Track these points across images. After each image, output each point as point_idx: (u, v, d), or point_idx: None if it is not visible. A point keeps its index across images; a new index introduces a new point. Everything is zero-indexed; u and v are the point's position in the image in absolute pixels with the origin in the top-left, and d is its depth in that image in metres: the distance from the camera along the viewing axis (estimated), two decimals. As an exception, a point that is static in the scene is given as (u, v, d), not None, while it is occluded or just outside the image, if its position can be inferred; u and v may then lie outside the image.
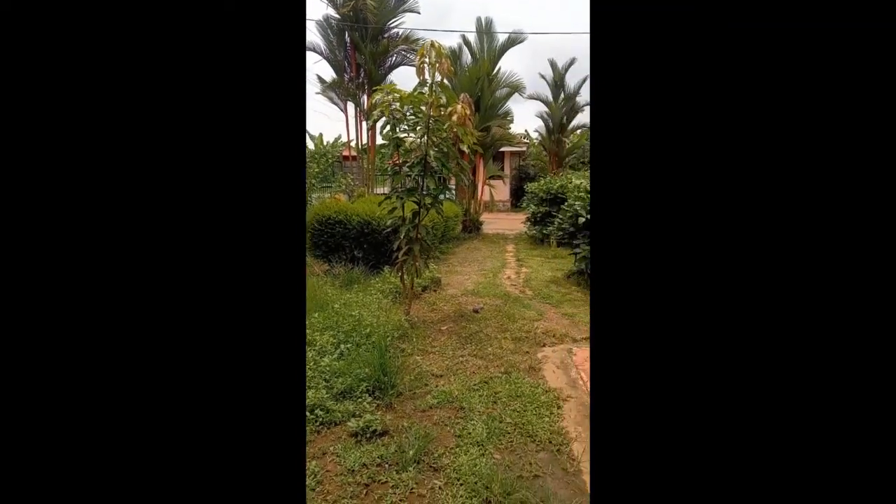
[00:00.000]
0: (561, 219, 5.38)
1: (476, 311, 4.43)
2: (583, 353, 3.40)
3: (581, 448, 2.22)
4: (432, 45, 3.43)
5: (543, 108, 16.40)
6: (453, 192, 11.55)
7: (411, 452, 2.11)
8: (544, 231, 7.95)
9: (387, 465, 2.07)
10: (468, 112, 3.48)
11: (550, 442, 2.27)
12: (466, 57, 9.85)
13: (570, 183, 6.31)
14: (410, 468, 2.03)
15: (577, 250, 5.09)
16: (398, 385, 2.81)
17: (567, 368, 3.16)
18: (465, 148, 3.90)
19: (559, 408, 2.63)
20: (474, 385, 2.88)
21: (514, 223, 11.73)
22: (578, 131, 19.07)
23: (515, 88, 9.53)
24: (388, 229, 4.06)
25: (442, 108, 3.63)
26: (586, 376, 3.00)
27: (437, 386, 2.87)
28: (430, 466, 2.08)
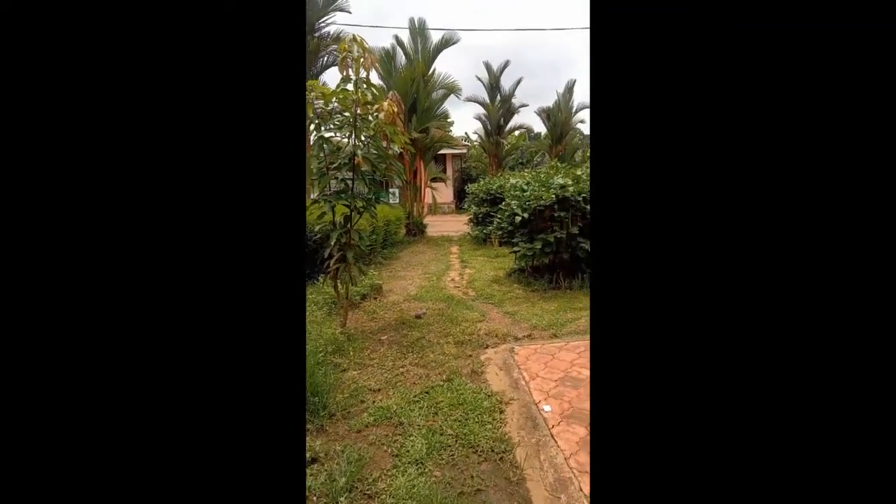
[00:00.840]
0: (500, 218, 5.39)
1: (418, 317, 4.27)
2: (524, 352, 3.36)
3: (524, 454, 2.14)
4: (354, 38, 3.24)
5: (481, 111, 16.67)
6: (397, 195, 11.33)
7: (342, 481, 1.91)
8: (485, 231, 7.99)
9: (315, 498, 1.85)
10: (396, 110, 3.32)
11: (493, 451, 2.17)
12: (401, 58, 9.71)
13: (507, 183, 6.35)
14: (342, 499, 1.83)
15: (516, 249, 5.11)
16: (330, 405, 2.59)
17: (509, 369, 3.10)
18: (396, 148, 3.74)
19: (501, 412, 2.54)
20: (414, 397, 2.72)
21: (459, 225, 11.75)
22: (516, 133, 19.63)
23: (451, 90, 9.53)
24: (318, 236, 3.79)
25: (369, 106, 3.44)
26: (528, 375, 2.95)
27: (374, 402, 2.68)
28: (364, 494, 1.89)
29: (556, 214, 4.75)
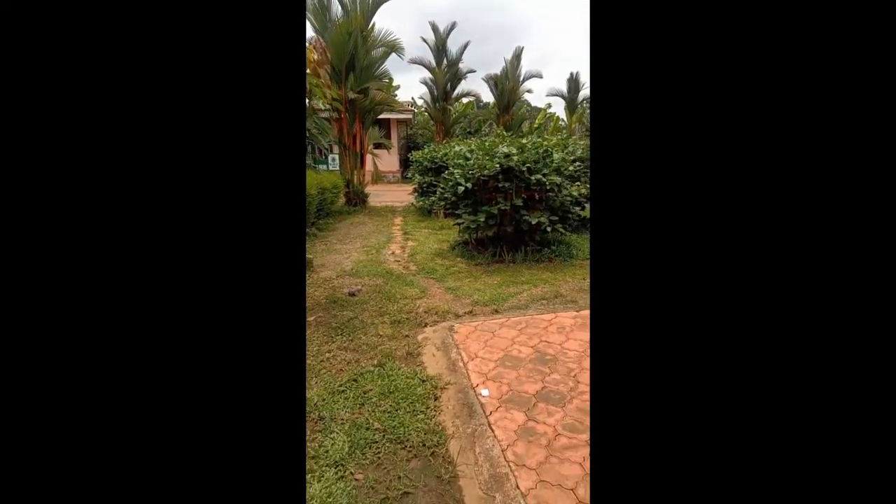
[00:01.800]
0: (443, 188, 5.10)
1: (352, 295, 3.94)
2: (465, 329, 3.18)
3: (458, 446, 1.96)
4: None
5: (427, 75, 15.95)
6: (337, 161, 10.57)
7: (244, 497, 1.61)
8: (429, 202, 7.67)
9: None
10: (317, 58, 2.85)
11: (424, 445, 1.96)
12: (337, 9, 8.79)
13: (451, 150, 6.02)
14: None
15: (460, 221, 4.87)
16: (239, 402, 2.24)
17: (447, 349, 2.90)
18: (321, 104, 3.27)
19: (436, 399, 2.34)
20: (340, 386, 2.45)
21: (404, 195, 11.30)
22: (464, 100, 19.11)
23: (392, 48, 8.84)
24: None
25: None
26: (467, 356, 2.77)
27: (293, 394, 2.36)
28: (270, 510, 1.60)
29: (500, 185, 4.54)
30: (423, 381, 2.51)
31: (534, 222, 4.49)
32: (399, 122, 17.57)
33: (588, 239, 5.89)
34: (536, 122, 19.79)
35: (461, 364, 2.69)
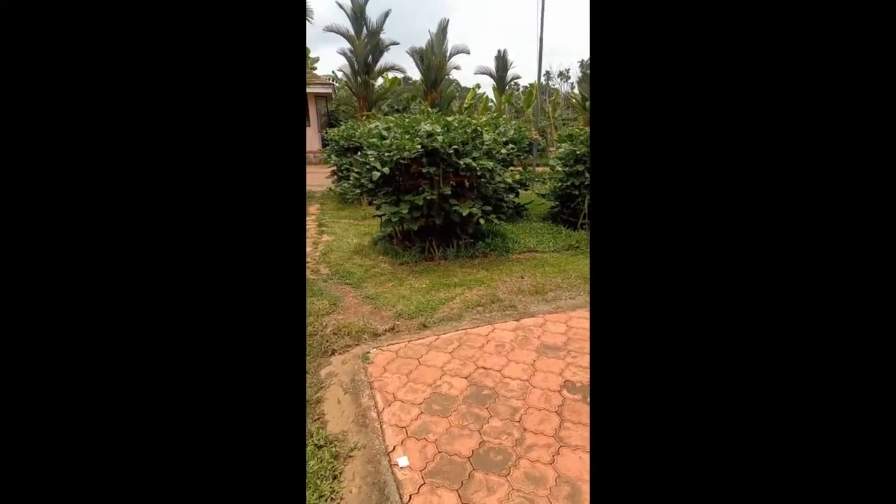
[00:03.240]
0: (357, 173, 4.31)
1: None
2: (383, 357, 2.53)
3: (360, 573, 1.32)
4: None
5: (346, 45, 14.57)
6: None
7: None
8: (344, 188, 6.78)
9: None
10: None
11: (309, 577, 1.30)
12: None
13: (366, 128, 5.20)
14: None
15: (380, 212, 4.14)
16: None
17: (358, 391, 2.24)
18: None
19: (335, 478, 1.68)
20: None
21: (323, 178, 10.17)
22: (389, 75, 17.92)
23: (300, 8, 7.61)
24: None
25: None
26: (383, 399, 2.13)
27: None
28: None
29: (425, 170, 3.86)
30: (320, 446, 1.83)
31: (465, 213, 3.90)
32: (318, 96, 15.98)
33: (523, 228, 5.46)
34: (466, 101, 19.22)
35: (374, 414, 2.04)
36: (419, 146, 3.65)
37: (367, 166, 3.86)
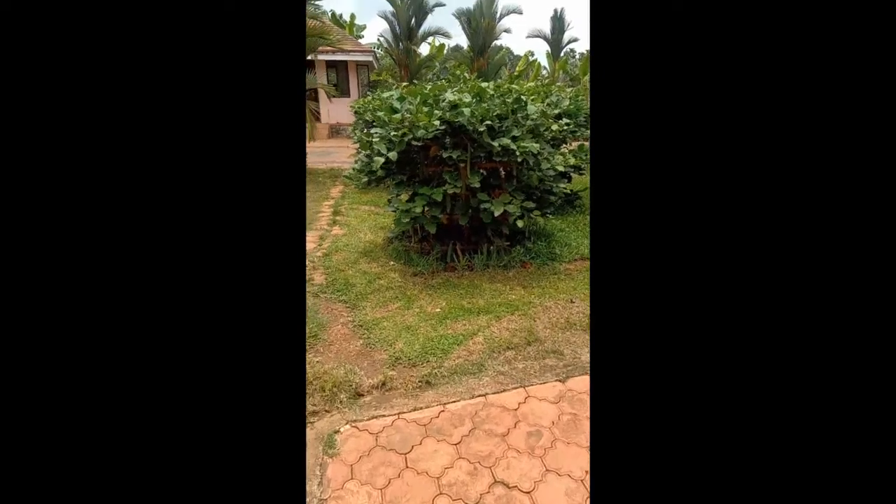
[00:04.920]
0: (367, 154, 3.43)
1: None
2: (357, 443, 1.71)
3: None
4: None
5: (388, 8, 13.48)
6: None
7: None
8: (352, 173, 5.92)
9: None
10: None
11: None
12: None
13: (378, 100, 4.25)
14: None
15: (394, 206, 3.26)
16: None
17: (304, 517, 1.43)
18: None
19: None
20: None
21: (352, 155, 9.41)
22: (435, 41, 16.66)
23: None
24: None
25: None
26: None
27: None
28: None
29: (446, 155, 2.91)
30: None
31: (498, 213, 2.92)
32: (359, 65, 15.11)
33: (576, 224, 4.38)
34: (518, 68, 17.56)
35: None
36: (437, 122, 2.68)
37: (370, 149, 2.96)
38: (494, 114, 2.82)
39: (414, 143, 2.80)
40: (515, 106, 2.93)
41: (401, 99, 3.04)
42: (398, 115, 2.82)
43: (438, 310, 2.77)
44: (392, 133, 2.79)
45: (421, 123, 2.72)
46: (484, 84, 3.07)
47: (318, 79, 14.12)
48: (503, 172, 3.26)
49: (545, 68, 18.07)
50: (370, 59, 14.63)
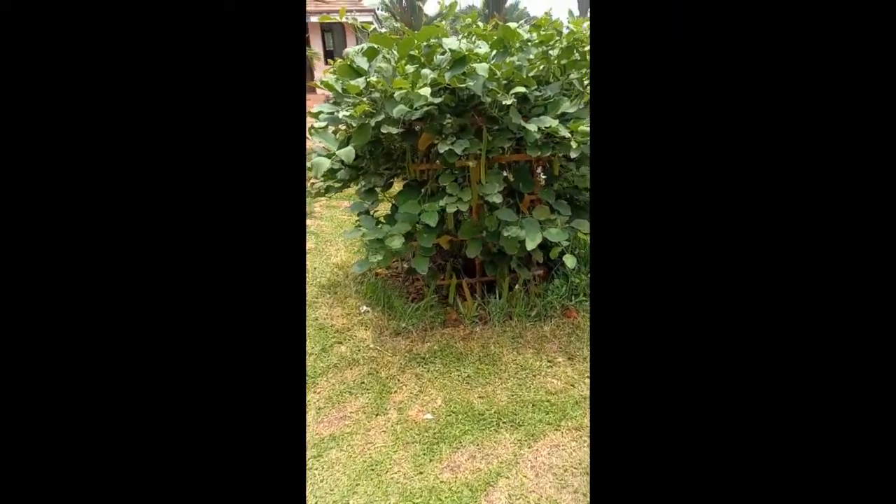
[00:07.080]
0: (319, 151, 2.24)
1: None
2: None
3: None
4: None
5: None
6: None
7: None
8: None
9: None
10: None
11: None
12: None
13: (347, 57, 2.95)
14: None
15: (362, 228, 2.08)
16: None
17: None
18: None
19: None
20: None
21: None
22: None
23: None
24: None
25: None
26: None
27: None
28: None
29: (445, 148, 1.70)
30: None
31: (533, 245, 1.74)
32: (360, 29, 13.53)
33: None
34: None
35: None
36: (429, 92, 1.46)
37: (318, 148, 1.75)
38: (531, 74, 1.58)
39: (389, 129, 1.59)
40: (567, 60, 1.67)
41: (369, 53, 1.81)
42: (360, 81, 1.60)
43: (430, 416, 1.65)
44: (347, 113, 1.59)
45: (400, 93, 1.50)
46: (513, 25, 1.82)
47: (313, 45, 12.70)
48: (540, 169, 2.04)
49: (567, 27, 16.19)
50: (369, 19, 13.05)
